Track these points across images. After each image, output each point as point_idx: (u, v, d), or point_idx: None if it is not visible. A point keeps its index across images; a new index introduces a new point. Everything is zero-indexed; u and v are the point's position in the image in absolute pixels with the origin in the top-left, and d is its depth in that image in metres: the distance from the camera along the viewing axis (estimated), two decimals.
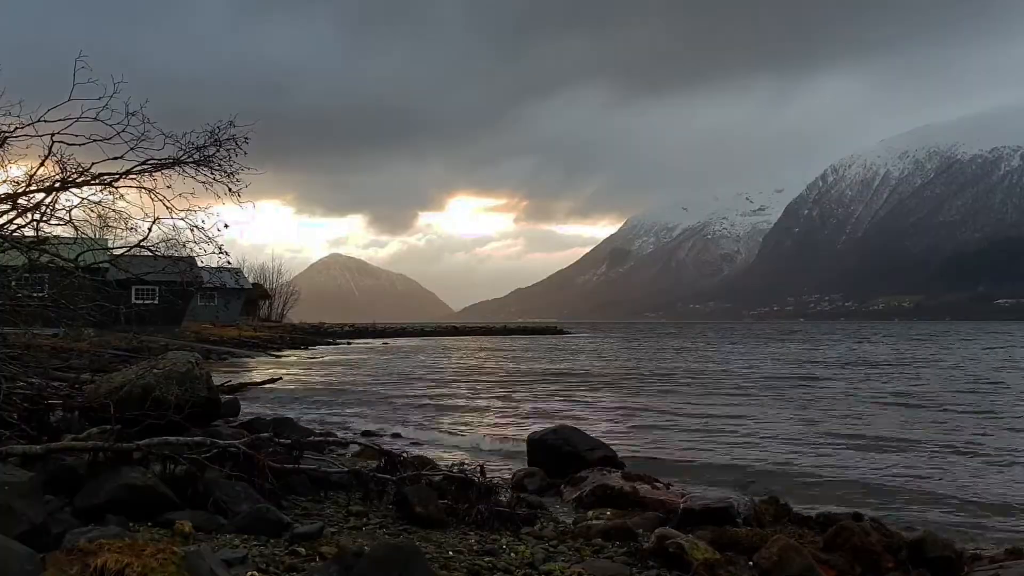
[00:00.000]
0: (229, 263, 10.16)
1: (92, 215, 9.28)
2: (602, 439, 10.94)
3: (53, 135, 8.26)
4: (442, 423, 16.06)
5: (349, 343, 66.16)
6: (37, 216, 8.57)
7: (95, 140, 8.28)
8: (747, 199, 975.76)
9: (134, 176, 8.70)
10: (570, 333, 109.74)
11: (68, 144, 8.37)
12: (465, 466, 8.81)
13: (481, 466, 8.72)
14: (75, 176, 8.59)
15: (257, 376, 25.64)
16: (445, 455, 11.69)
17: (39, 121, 8.18)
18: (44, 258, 8.80)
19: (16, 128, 8.24)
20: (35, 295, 9.47)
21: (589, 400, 20.84)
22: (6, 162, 8.64)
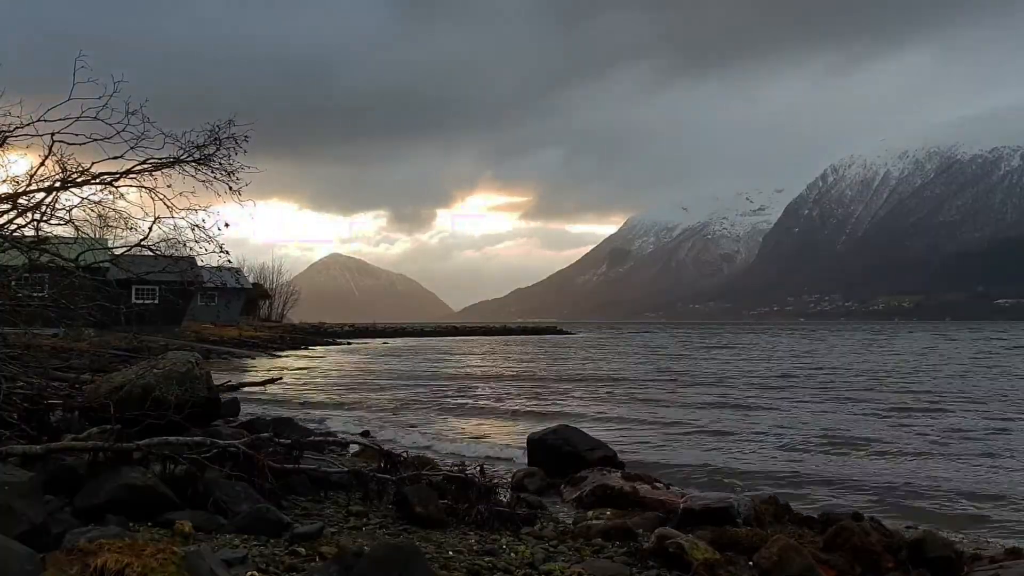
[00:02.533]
0: (230, 262, 10.16)
1: (92, 215, 9.28)
2: (602, 439, 10.94)
3: (53, 134, 8.28)
4: (442, 423, 16.07)
5: (349, 343, 66.31)
6: (37, 216, 8.57)
7: (95, 139, 8.29)
8: (747, 199, 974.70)
9: (134, 175, 8.71)
10: (571, 333, 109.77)
11: (68, 143, 8.38)
12: (465, 466, 8.82)
13: (481, 466, 8.72)
14: (75, 175, 8.59)
15: (257, 376, 25.61)
16: (445, 455, 11.70)
17: (39, 120, 8.20)
18: (44, 258, 8.79)
19: (16, 127, 8.24)
20: (35, 295, 9.46)
21: (588, 399, 20.83)
22: (6, 162, 8.64)
